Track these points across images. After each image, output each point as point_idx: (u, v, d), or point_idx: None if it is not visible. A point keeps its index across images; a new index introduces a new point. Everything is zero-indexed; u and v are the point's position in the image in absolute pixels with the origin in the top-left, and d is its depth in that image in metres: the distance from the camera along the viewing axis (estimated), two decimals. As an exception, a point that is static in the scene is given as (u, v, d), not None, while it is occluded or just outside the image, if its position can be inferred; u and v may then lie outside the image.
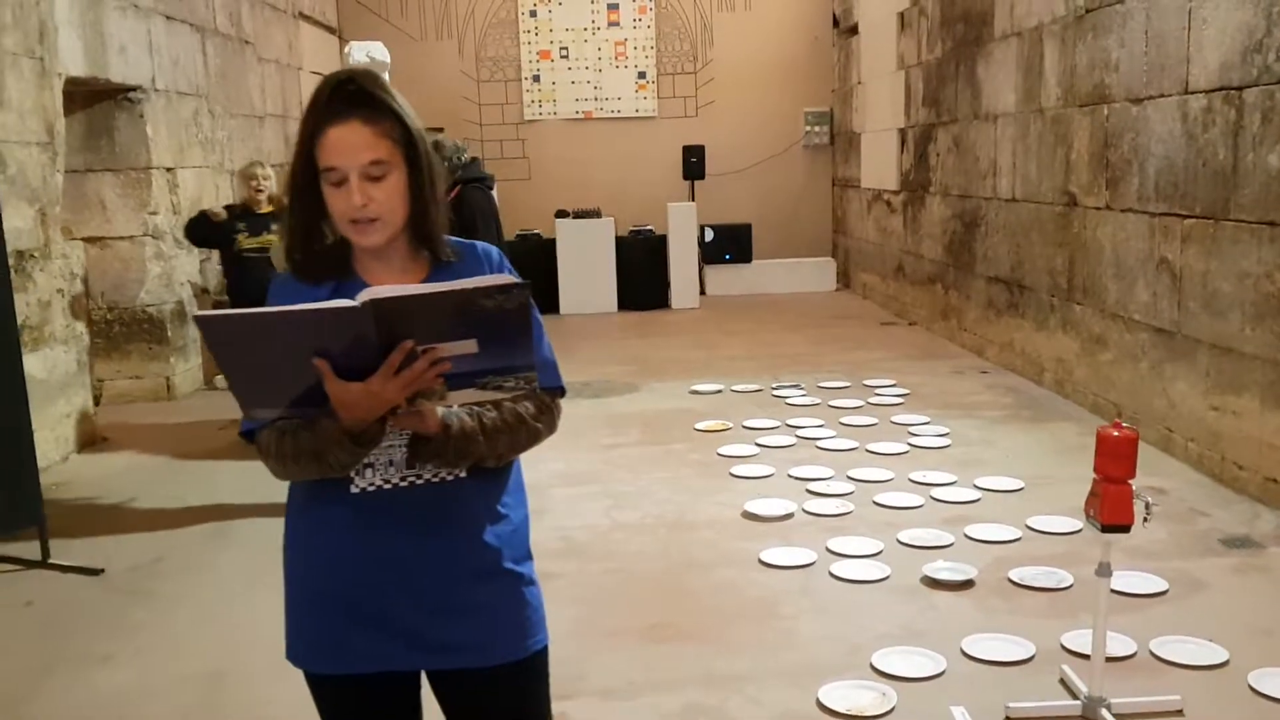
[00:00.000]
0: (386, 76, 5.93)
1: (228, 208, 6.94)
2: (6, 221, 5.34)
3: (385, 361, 1.56)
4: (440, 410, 1.70)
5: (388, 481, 1.78)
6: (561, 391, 1.93)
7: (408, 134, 1.75)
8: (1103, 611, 3.04)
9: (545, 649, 1.91)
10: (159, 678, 3.60)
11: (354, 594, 1.79)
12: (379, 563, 1.78)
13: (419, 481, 1.78)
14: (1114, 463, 2.91)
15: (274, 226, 6.52)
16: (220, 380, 8.32)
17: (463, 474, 1.79)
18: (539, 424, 1.84)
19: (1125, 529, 2.92)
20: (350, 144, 1.70)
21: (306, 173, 1.75)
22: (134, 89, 7.58)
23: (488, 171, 6.59)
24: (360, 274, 1.80)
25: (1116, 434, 2.93)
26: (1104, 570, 3.01)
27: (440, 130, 11.34)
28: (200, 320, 1.54)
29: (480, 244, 1.92)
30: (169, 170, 8.04)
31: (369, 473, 1.77)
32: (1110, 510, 2.90)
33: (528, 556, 1.91)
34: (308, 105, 1.75)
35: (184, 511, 5.29)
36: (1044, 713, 3.11)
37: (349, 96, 1.72)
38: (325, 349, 1.55)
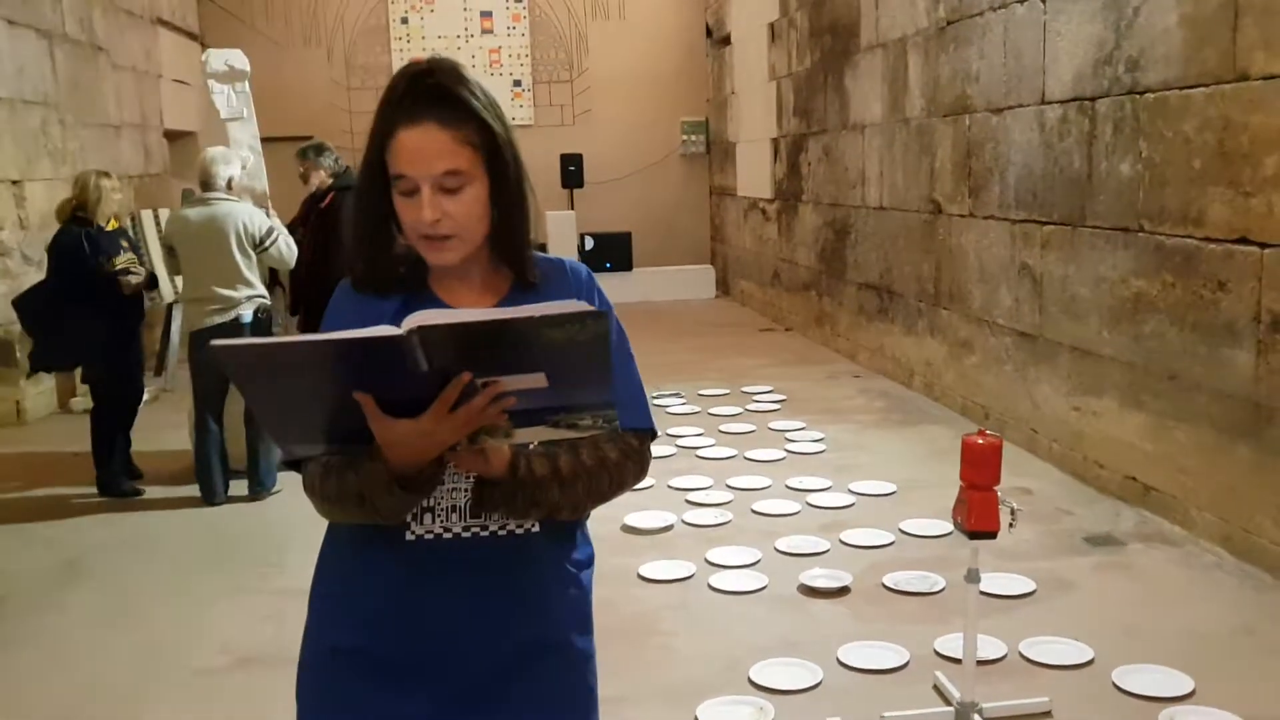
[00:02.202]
0: (246, 85, 5.72)
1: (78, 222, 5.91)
2: None
3: (439, 396, 1.34)
4: (508, 450, 1.48)
5: (448, 530, 1.55)
6: (652, 434, 1.68)
7: (492, 139, 1.52)
8: (972, 617, 3.08)
9: None
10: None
11: (396, 654, 1.56)
12: (430, 621, 1.56)
13: (484, 533, 1.56)
14: (978, 470, 2.94)
15: (124, 244, 6.00)
16: (76, 403, 7.95)
17: (534, 527, 1.57)
18: (624, 470, 1.61)
19: (991, 535, 2.95)
20: (423, 150, 1.49)
21: (375, 175, 1.54)
22: (-25, 99, 7.20)
23: None
24: (434, 288, 1.60)
25: (981, 442, 2.96)
26: (973, 576, 3.04)
27: (309, 139, 11.08)
28: (222, 351, 1.32)
29: (570, 261, 1.72)
30: (15, 183, 7.65)
31: (428, 518, 1.55)
32: (976, 517, 2.93)
33: (591, 627, 1.69)
34: (381, 100, 1.54)
35: (32, 545, 5.00)
36: (918, 720, 3.14)
37: (426, 93, 1.51)
38: (368, 381, 1.35)
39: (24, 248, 7.61)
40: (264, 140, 7.14)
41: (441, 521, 1.55)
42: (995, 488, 2.94)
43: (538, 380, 1.35)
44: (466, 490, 1.54)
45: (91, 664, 3.79)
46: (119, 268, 5.66)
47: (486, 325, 1.33)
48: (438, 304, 1.45)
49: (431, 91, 1.51)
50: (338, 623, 1.61)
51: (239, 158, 5.90)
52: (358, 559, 1.59)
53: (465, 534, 1.55)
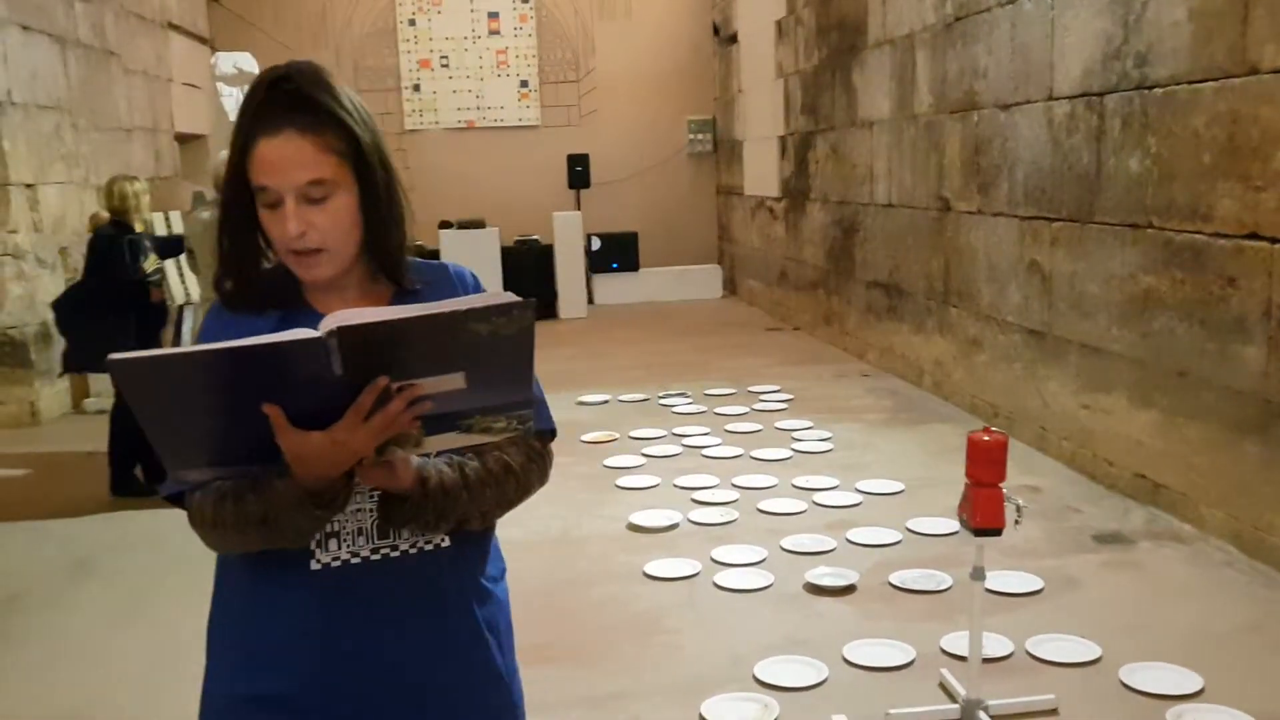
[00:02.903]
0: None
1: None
2: None
3: (354, 404, 1.27)
4: (415, 461, 1.41)
5: (356, 554, 1.46)
6: (552, 434, 1.63)
7: (357, 145, 1.45)
8: (977, 614, 3.07)
9: None
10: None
11: (307, 699, 1.46)
12: (345, 657, 1.47)
13: (394, 553, 1.47)
14: (984, 467, 2.93)
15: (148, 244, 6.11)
16: (90, 403, 7.99)
17: (444, 541, 1.51)
18: (529, 474, 1.56)
19: (996, 532, 2.94)
20: (284, 160, 1.41)
21: (239, 189, 1.46)
22: (-12, 102, 7.24)
23: None
24: (311, 302, 1.52)
25: (986, 439, 2.95)
26: (978, 574, 3.03)
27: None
28: (115, 365, 1.21)
29: (452, 264, 1.65)
30: (29, 187, 7.69)
31: (333, 544, 1.46)
32: (981, 514, 2.93)
33: (512, 642, 1.65)
34: (240, 108, 1.47)
35: (45, 544, 5.03)
36: (923, 718, 3.13)
37: (285, 100, 1.43)
38: (276, 392, 1.26)
39: (38, 251, 7.65)
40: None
41: (349, 546, 1.47)
42: (1001, 485, 2.94)
43: (456, 381, 1.29)
44: (371, 510, 1.46)
45: (101, 661, 3.81)
46: (150, 272, 5.89)
47: (409, 322, 1.25)
48: (318, 318, 1.34)
49: (291, 98, 1.43)
50: (244, 669, 1.50)
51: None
52: (259, 596, 1.49)
53: (375, 557, 1.47)
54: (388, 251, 1.52)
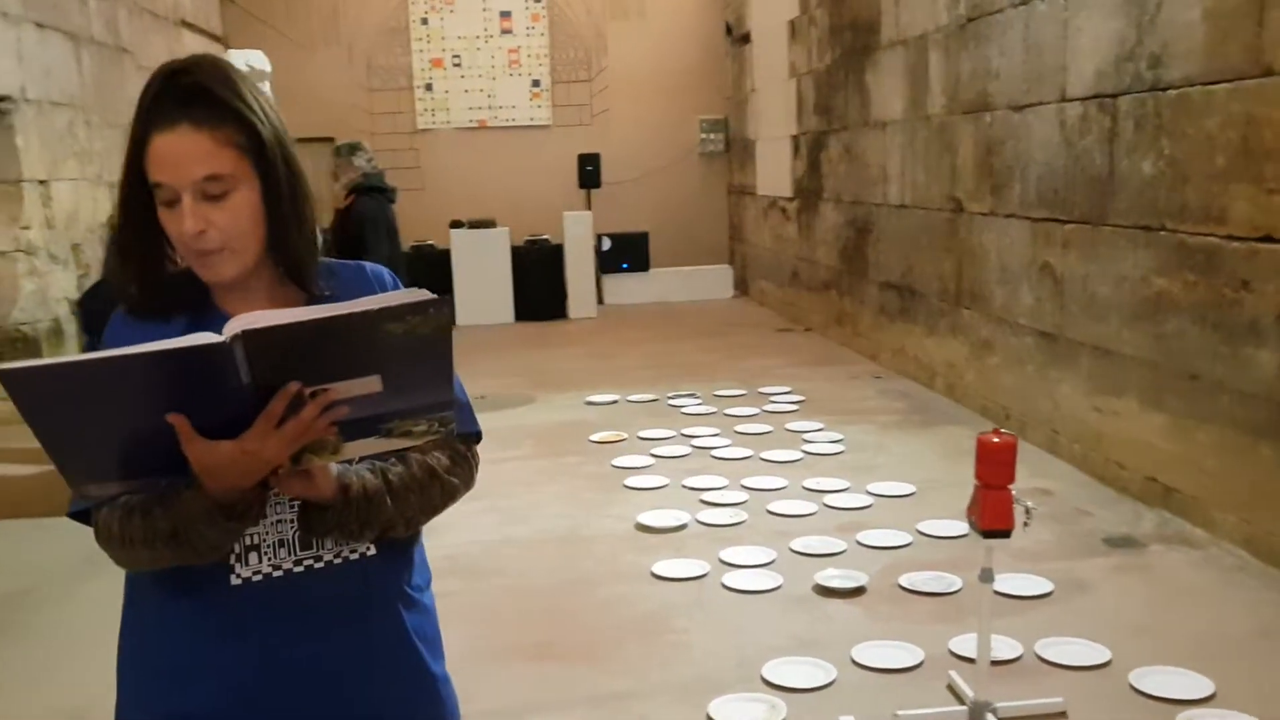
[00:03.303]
0: (267, 86, 5.81)
1: None
2: None
3: (264, 411, 1.21)
4: (335, 468, 1.36)
5: (277, 568, 1.41)
6: (478, 437, 1.59)
7: (258, 140, 1.39)
8: (986, 616, 3.05)
9: None
10: (21, 716, 3.41)
11: (232, 717, 1.42)
12: (271, 672, 1.41)
13: (318, 564, 1.43)
14: (993, 469, 2.92)
15: None
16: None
17: (369, 550, 1.46)
18: (454, 478, 1.51)
19: (1005, 534, 2.93)
20: (179, 155, 1.34)
21: (138, 188, 1.39)
22: (2, 99, 7.25)
23: (390, 184, 6.50)
24: (220, 305, 1.46)
25: (996, 440, 2.94)
26: (986, 576, 3.02)
27: (330, 140, 11.13)
28: (6, 376, 1.14)
29: (370, 265, 1.60)
30: (42, 183, 7.71)
31: (253, 558, 1.40)
32: (990, 516, 2.91)
33: (441, 650, 1.60)
34: (137, 103, 1.39)
35: (55, 541, 5.03)
36: (931, 719, 3.12)
37: (182, 92, 1.36)
38: (182, 400, 1.20)
39: (50, 247, 7.67)
40: (284, 139, 7.20)
41: (269, 559, 1.41)
42: (1010, 486, 2.92)
43: (371, 385, 1.23)
44: (292, 521, 1.41)
45: (110, 655, 3.81)
46: None
47: (320, 324, 1.19)
48: (227, 321, 1.27)
49: (188, 91, 1.37)
50: (163, 689, 1.44)
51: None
52: (176, 614, 1.44)
53: (298, 569, 1.42)
54: (292, 250, 1.45)
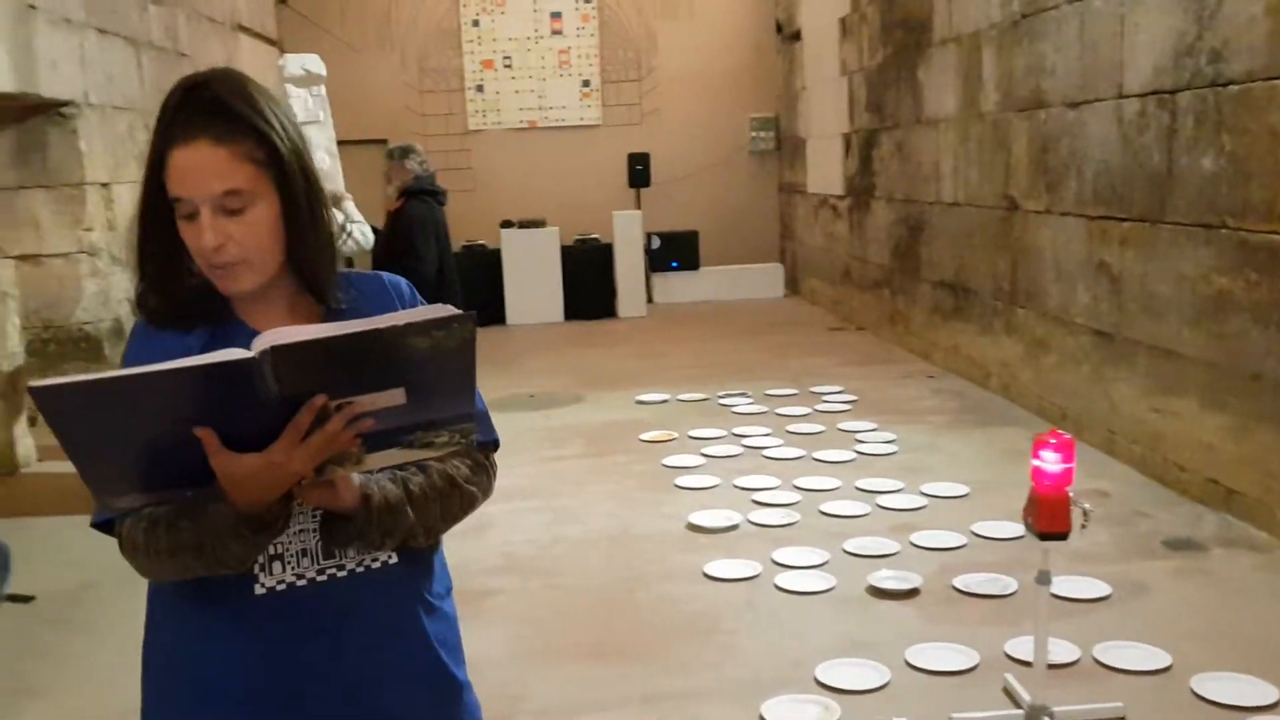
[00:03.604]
0: (322, 89, 5.88)
1: None
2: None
3: (291, 424, 1.23)
4: (357, 478, 1.38)
5: (301, 576, 1.43)
6: (495, 445, 1.60)
7: (276, 155, 1.40)
8: (1043, 619, 3.02)
9: None
10: (88, 712, 3.49)
11: None
12: (295, 682, 1.43)
13: (341, 573, 1.44)
14: (1050, 470, 2.89)
15: None
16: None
17: (391, 558, 1.48)
18: (473, 487, 1.53)
19: (1062, 536, 2.89)
20: (198, 170, 1.36)
21: (158, 200, 1.40)
22: (66, 104, 7.41)
23: (441, 186, 6.54)
24: (240, 316, 1.48)
25: (1053, 441, 2.91)
26: (1043, 578, 2.99)
27: (383, 142, 11.25)
28: (37, 392, 1.16)
29: (387, 275, 1.61)
30: (104, 186, 7.87)
31: (277, 567, 1.42)
32: (1047, 518, 2.88)
33: (463, 656, 1.60)
34: (157, 116, 1.42)
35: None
36: (987, 724, 3.09)
37: (201, 107, 1.38)
38: (209, 414, 1.22)
39: (112, 248, 7.82)
40: (339, 143, 7.27)
41: (293, 569, 1.43)
42: (1067, 488, 2.89)
43: (396, 397, 1.25)
44: (314, 530, 1.43)
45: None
46: None
47: (348, 339, 1.22)
48: (250, 334, 1.31)
49: (207, 105, 1.38)
50: (187, 701, 1.46)
51: (316, 159, 6.03)
52: (200, 626, 1.45)
53: (321, 578, 1.44)
54: (310, 264, 1.47)
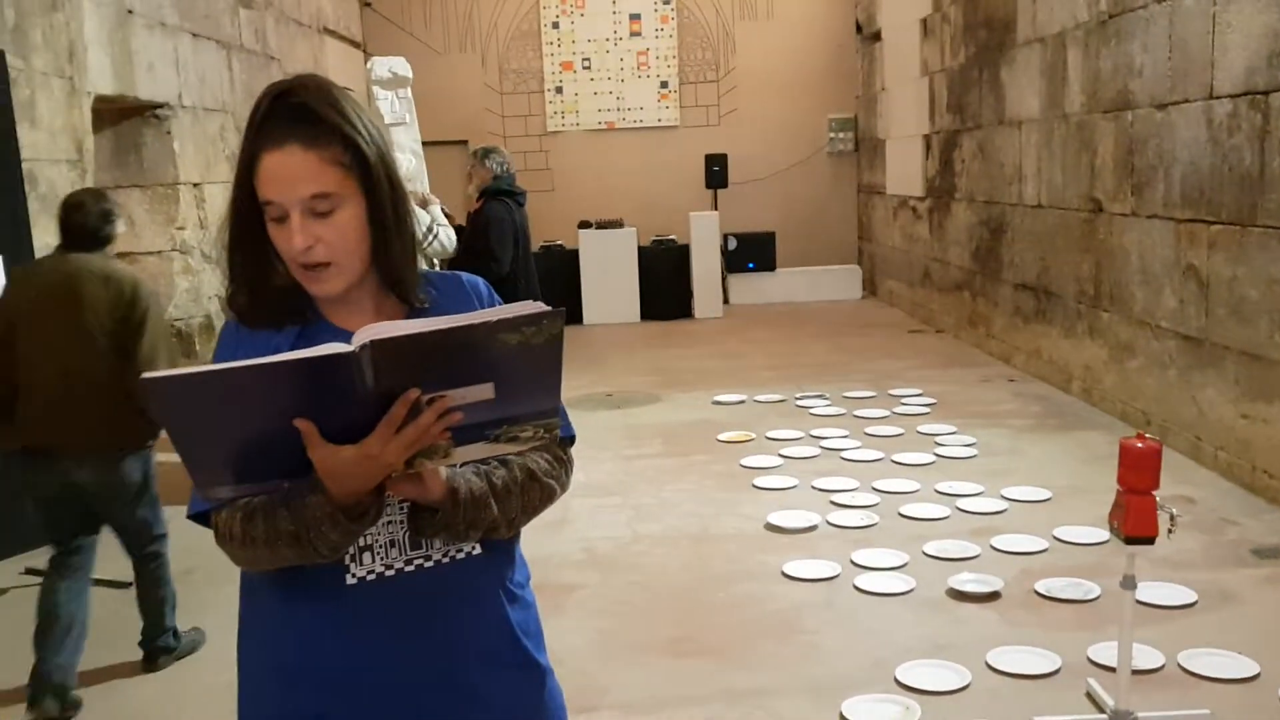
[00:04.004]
0: (408, 91, 6.00)
1: None
2: (38, 238, 5.43)
3: (386, 416, 1.26)
4: (444, 472, 1.41)
5: (390, 567, 1.47)
6: (572, 440, 1.64)
7: (362, 159, 1.44)
8: (1128, 624, 3.01)
9: None
10: (188, 688, 3.66)
11: (348, 715, 1.48)
12: (384, 669, 1.47)
13: (428, 564, 1.48)
14: (1137, 474, 2.88)
15: None
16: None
17: (475, 549, 1.51)
18: (552, 480, 1.56)
19: (1149, 541, 2.88)
20: (288, 174, 1.40)
21: (247, 204, 1.45)
22: (161, 106, 7.66)
23: (520, 188, 6.64)
24: (326, 315, 1.52)
25: (1140, 445, 2.90)
26: (1129, 583, 2.98)
27: (464, 143, 11.42)
28: (149, 383, 1.21)
29: (466, 276, 1.65)
30: (196, 186, 8.12)
31: (367, 558, 1.46)
32: (1134, 522, 2.87)
33: (544, 643, 1.64)
34: (247, 122, 1.46)
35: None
36: (1070, 727, 3.09)
37: (289, 113, 1.42)
38: (308, 407, 1.26)
39: (203, 246, 8.07)
40: (422, 144, 7.42)
41: (382, 560, 1.47)
42: (1154, 492, 2.88)
43: (484, 392, 1.28)
44: (402, 522, 1.47)
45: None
46: None
47: (442, 335, 1.25)
48: (336, 333, 1.37)
49: (295, 111, 1.42)
50: (280, 688, 1.50)
51: (402, 160, 6.16)
52: (292, 614, 1.49)
53: (408, 568, 1.48)
54: (394, 265, 1.51)
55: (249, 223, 1.46)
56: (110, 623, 4.24)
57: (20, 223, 4.62)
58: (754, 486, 5.48)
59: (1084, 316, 6.91)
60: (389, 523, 1.46)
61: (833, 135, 13.08)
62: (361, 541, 1.45)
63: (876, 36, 12.02)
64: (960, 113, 9.32)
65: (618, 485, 5.57)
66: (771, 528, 4.86)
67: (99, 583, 4.60)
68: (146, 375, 1.21)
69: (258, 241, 1.47)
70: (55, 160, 6.11)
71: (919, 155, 10.58)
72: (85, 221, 3.68)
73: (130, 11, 7.07)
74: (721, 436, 6.48)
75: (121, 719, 3.55)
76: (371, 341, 1.22)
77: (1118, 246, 6.37)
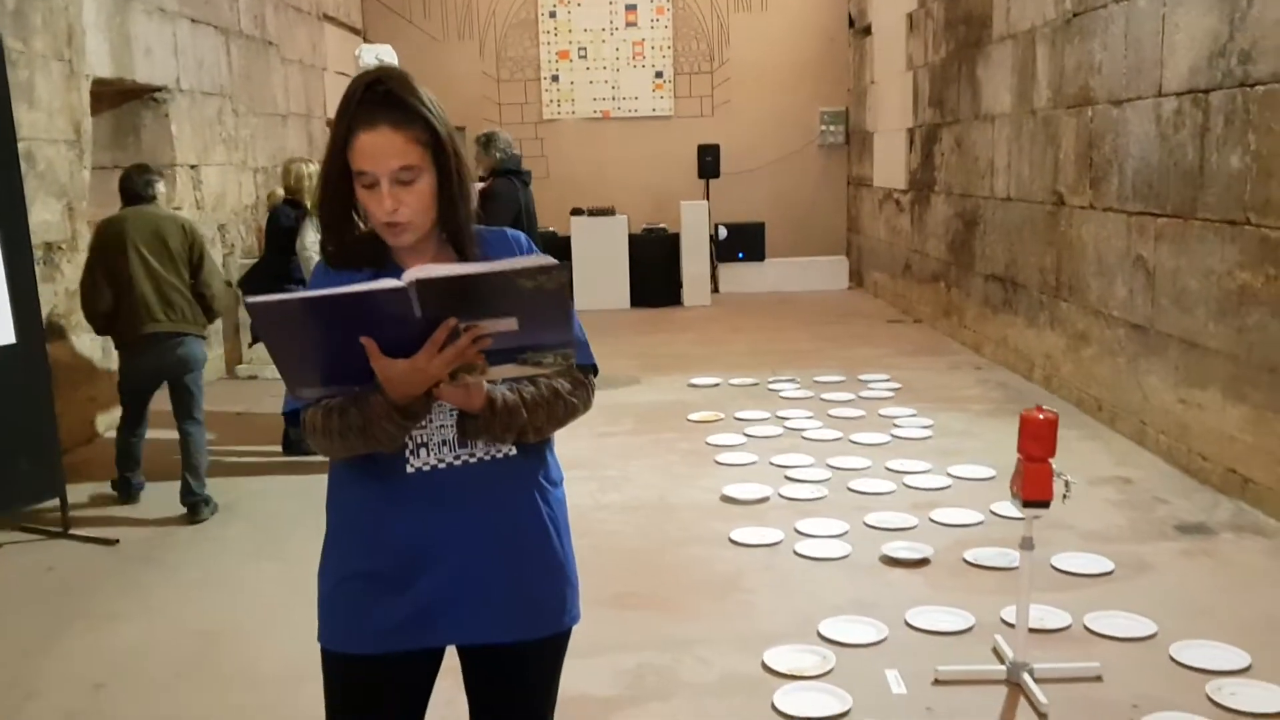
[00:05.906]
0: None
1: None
2: (35, 215, 5.67)
3: (429, 338, 1.62)
4: (485, 386, 1.76)
5: (442, 461, 1.83)
6: (594, 369, 1.99)
7: (437, 138, 1.78)
8: (1026, 583, 3.25)
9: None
10: (162, 634, 3.90)
11: (402, 574, 1.84)
12: (433, 542, 1.83)
13: (472, 459, 1.84)
14: (1035, 443, 3.12)
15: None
16: (242, 368, 8.65)
17: (512, 450, 1.87)
18: (575, 399, 1.90)
19: (1045, 505, 3.12)
20: (380, 150, 1.75)
21: (340, 170, 1.80)
22: (159, 89, 7.90)
23: (525, 168, 7.00)
24: (397, 261, 1.86)
25: (1041, 417, 3.13)
26: (1027, 544, 3.22)
27: (462, 129, 11.65)
28: (252, 306, 1.59)
29: (511, 231, 2.00)
30: (193, 167, 8.37)
31: (423, 453, 1.83)
32: (1030, 487, 3.11)
33: (568, 531, 1.98)
34: (340, 105, 1.80)
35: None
36: (970, 676, 3.33)
37: (379, 100, 1.76)
38: (371, 328, 1.62)
39: (200, 227, 8.31)
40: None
41: (435, 454, 1.84)
42: (1050, 460, 3.11)
43: (510, 324, 1.63)
44: (452, 426, 1.83)
45: (242, 585, 4.31)
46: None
47: (472, 277, 1.61)
48: (401, 274, 1.67)
49: (385, 98, 1.76)
50: (353, 556, 1.89)
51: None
52: (362, 497, 1.87)
53: (456, 462, 1.84)
54: (456, 224, 1.87)
55: (338, 187, 1.82)
56: (95, 575, 4.50)
57: (16, 198, 4.86)
58: (716, 462, 5.72)
59: (1046, 306, 7.14)
60: (441, 426, 1.83)
61: (824, 128, 13.28)
62: (419, 439, 1.82)
63: (868, 30, 12.22)
64: (940, 107, 9.53)
65: (587, 460, 5.80)
66: (726, 499, 5.10)
67: (88, 539, 4.89)
68: (250, 299, 1.60)
69: (344, 202, 1.84)
70: (53, 140, 6.36)
71: (903, 148, 10.80)
72: (133, 186, 5.35)
73: (129, -4, 7.30)
74: (692, 416, 6.73)
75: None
76: (417, 280, 1.57)
77: (1076, 238, 6.59)
